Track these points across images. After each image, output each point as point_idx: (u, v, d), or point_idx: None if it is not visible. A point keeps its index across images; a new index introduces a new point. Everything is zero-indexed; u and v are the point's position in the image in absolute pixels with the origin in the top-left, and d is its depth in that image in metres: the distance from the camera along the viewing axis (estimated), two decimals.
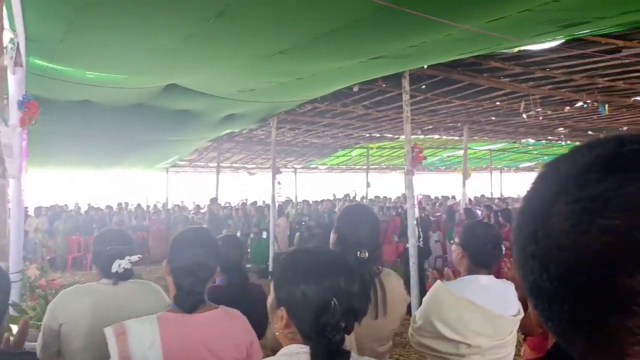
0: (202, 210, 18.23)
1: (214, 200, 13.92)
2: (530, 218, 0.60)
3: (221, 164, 16.05)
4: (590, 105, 9.89)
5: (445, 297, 2.26)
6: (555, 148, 19.71)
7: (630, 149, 0.56)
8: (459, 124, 12.67)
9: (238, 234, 12.73)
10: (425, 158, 6.93)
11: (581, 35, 5.26)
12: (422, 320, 2.29)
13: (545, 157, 22.69)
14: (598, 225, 0.53)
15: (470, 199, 15.04)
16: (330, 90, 7.58)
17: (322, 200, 16.87)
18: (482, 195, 20.03)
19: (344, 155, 19.59)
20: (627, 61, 6.66)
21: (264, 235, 12.31)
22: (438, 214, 12.94)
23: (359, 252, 2.19)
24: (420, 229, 6.95)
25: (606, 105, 9.55)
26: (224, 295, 2.71)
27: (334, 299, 1.29)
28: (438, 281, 2.39)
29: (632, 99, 9.39)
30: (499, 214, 10.11)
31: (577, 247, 0.54)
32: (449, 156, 20.71)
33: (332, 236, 2.32)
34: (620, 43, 5.63)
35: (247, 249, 11.94)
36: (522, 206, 0.62)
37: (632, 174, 0.54)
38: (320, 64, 5.30)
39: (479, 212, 11.81)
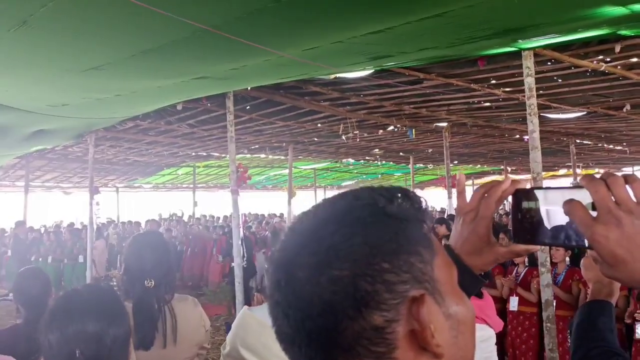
0: (6, 235, 16.37)
1: (20, 224, 12.61)
2: (276, 268, 0.64)
3: (31, 183, 14.64)
4: (400, 129, 10.86)
5: (249, 323, 2.24)
6: (372, 167, 21.22)
7: (361, 203, 0.63)
8: (284, 144, 13.05)
9: (49, 259, 11.68)
10: (249, 178, 7.03)
11: (388, 67, 5.78)
12: (229, 347, 2.28)
13: (365, 176, 24.31)
14: (328, 276, 0.58)
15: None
16: (151, 108, 7.37)
17: (148, 221, 16.16)
18: None
19: (169, 174, 19.04)
20: (428, 91, 7.46)
21: (80, 259, 11.45)
22: (265, 232, 13.13)
23: (146, 281, 2.17)
24: (244, 248, 7.01)
25: (413, 130, 10.56)
26: (19, 335, 2.43)
27: (78, 349, 1.18)
28: (245, 307, 2.39)
29: (434, 124, 10.49)
30: None
31: (311, 297, 0.59)
32: (275, 175, 21.18)
33: (122, 265, 2.27)
34: (421, 75, 6.29)
35: (52, 281, 10.94)
36: (271, 256, 0.66)
37: (358, 228, 0.60)
38: (139, 81, 5.14)
39: None
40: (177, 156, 14.76)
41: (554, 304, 4.82)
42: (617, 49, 5.34)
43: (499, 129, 11.42)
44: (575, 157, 13.91)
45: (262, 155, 15.27)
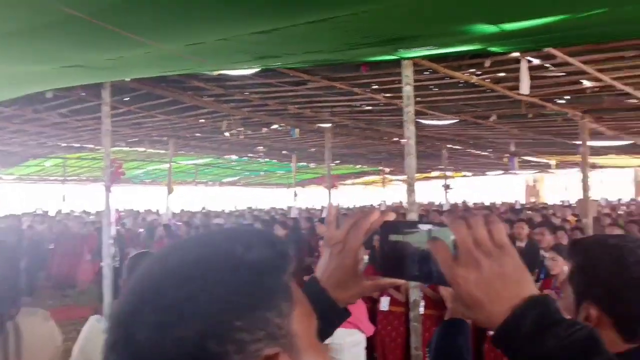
0: None
1: None
2: (114, 326, 0.56)
3: None
4: (283, 128, 10.90)
5: (96, 334, 2.10)
6: (255, 165, 21.15)
7: (215, 252, 0.57)
8: (165, 138, 12.61)
9: None
10: (123, 173, 6.68)
11: (274, 67, 5.75)
12: (73, 355, 2.13)
13: (247, 173, 24.18)
14: (171, 337, 0.51)
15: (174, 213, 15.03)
16: (18, 94, 6.76)
17: (7, 216, 14.82)
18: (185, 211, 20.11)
19: (36, 165, 17.66)
20: (312, 92, 7.55)
21: None
22: (141, 230, 12.56)
23: None
24: (117, 247, 6.65)
25: (296, 130, 10.65)
26: None
27: None
28: (95, 316, 2.23)
29: (317, 125, 10.65)
30: (201, 229, 10.31)
31: (155, 358, 0.52)
32: (154, 169, 20.41)
33: None
34: (306, 77, 6.34)
35: None
36: (111, 312, 0.58)
37: (208, 281, 0.54)
38: (4, 66, 4.68)
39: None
40: (46, 147, 13.72)
41: (422, 303, 5.04)
42: (487, 63, 5.74)
43: (378, 132, 11.85)
44: (446, 161, 14.83)
45: (141, 149, 14.64)
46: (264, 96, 7.98)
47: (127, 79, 6.49)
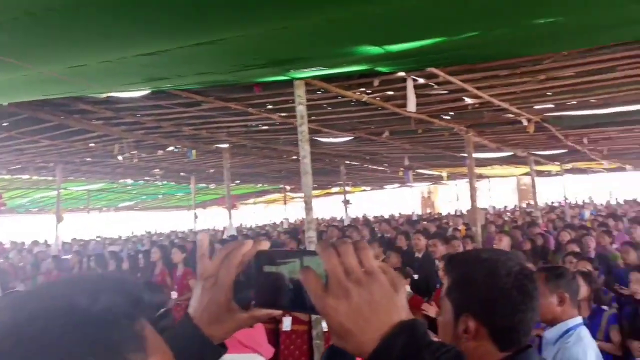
0: None
1: None
2: None
3: None
4: (180, 149, 10.67)
5: None
6: (152, 188, 20.47)
7: (54, 306, 0.52)
8: (51, 164, 11.90)
9: None
10: (4, 204, 6.22)
11: (166, 89, 5.63)
12: None
13: (145, 197, 23.34)
14: None
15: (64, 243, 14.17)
16: None
17: None
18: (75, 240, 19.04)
19: None
20: (206, 113, 7.46)
21: None
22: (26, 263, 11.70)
23: None
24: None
25: (193, 151, 10.45)
26: None
27: None
28: None
29: (215, 145, 10.52)
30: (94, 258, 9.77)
31: None
32: (41, 197, 19.17)
33: None
34: (199, 98, 6.26)
35: None
36: None
37: (41, 342, 0.49)
38: None
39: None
40: None
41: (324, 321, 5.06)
42: (376, 82, 5.96)
43: (276, 151, 11.91)
44: (345, 177, 15.18)
45: (26, 176, 13.71)
46: (157, 118, 7.77)
47: (5, 104, 6.08)
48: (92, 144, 9.70)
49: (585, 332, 2.55)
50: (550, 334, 2.59)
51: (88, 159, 11.83)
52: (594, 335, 4.23)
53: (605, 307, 4.46)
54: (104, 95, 5.82)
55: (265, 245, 0.84)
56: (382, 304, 0.71)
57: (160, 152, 11.07)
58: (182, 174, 16.05)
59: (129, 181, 17.63)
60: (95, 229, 21.94)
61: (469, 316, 1.25)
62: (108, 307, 0.53)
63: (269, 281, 0.79)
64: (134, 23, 2.97)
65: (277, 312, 0.86)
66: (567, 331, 2.53)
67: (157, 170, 14.98)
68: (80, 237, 18.92)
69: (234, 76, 4.66)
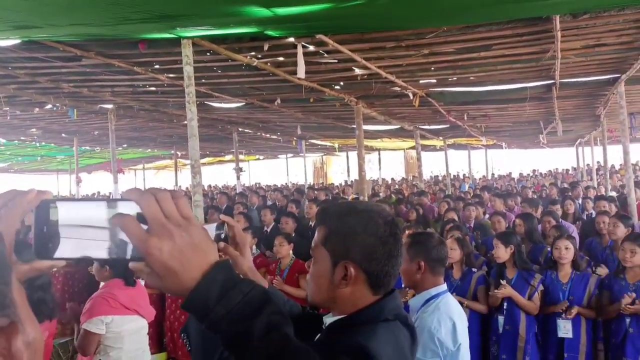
0: None
1: None
2: None
3: None
4: (59, 108, 9.98)
5: None
6: (30, 149, 19.08)
7: None
8: None
9: None
10: None
11: (39, 39, 5.23)
12: None
13: (21, 158, 21.72)
14: None
15: None
16: None
17: None
18: None
19: None
20: (88, 70, 7.02)
21: None
22: None
23: None
24: None
25: (75, 110, 9.82)
26: None
27: None
28: None
29: (99, 105, 9.96)
30: None
31: None
32: None
33: None
34: (78, 52, 5.87)
35: None
36: None
37: None
38: None
39: None
40: None
41: None
42: (266, 47, 5.91)
43: (166, 114, 11.51)
44: (237, 144, 15.00)
45: None
46: (31, 72, 7.20)
47: None
48: None
49: (447, 299, 2.57)
50: (413, 302, 2.62)
51: None
52: (463, 295, 4.60)
53: (474, 270, 4.83)
54: None
55: (49, 194, 0.82)
56: (201, 245, 0.78)
57: (37, 109, 10.31)
58: (63, 135, 15.06)
59: (2, 140, 16.29)
60: None
61: (348, 263, 1.31)
62: None
63: (54, 231, 0.77)
64: None
65: (61, 264, 0.83)
66: (428, 300, 2.55)
67: (34, 129, 13.95)
68: None
69: (114, 30, 4.42)
